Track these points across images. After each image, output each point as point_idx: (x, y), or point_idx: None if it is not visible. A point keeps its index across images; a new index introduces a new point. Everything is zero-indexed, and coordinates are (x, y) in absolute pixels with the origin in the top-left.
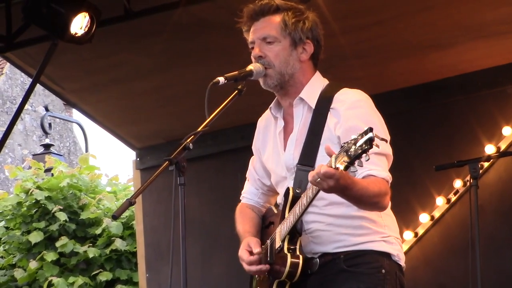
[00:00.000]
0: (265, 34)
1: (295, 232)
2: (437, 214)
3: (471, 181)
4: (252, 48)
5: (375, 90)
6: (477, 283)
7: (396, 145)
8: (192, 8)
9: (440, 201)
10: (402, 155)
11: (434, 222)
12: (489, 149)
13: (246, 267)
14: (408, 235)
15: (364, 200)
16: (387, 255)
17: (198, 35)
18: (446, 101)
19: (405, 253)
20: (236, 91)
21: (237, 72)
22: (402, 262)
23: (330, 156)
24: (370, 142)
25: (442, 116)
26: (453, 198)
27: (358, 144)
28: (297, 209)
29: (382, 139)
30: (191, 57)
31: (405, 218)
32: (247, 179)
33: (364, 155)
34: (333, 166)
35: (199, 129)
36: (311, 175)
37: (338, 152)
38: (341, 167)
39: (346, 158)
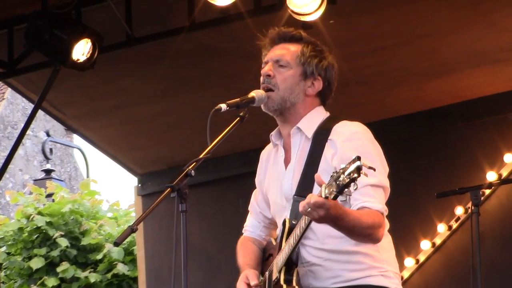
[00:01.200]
0: (279, 57)
1: (291, 263)
2: (438, 240)
3: (473, 208)
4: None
5: (377, 117)
6: None
7: (398, 171)
8: (194, 34)
9: (442, 227)
10: (404, 182)
11: (435, 248)
12: (491, 176)
13: None
14: (410, 262)
15: (356, 231)
16: None
17: (200, 61)
18: (447, 128)
19: (407, 280)
20: (238, 118)
21: (239, 99)
22: None
23: (321, 186)
24: (358, 171)
25: (444, 143)
26: (455, 225)
27: (346, 172)
28: (291, 240)
29: (370, 168)
30: (193, 83)
31: (406, 244)
32: (249, 212)
33: (352, 184)
34: (323, 196)
35: (201, 156)
36: (301, 205)
37: (328, 181)
38: (331, 197)
39: (335, 188)
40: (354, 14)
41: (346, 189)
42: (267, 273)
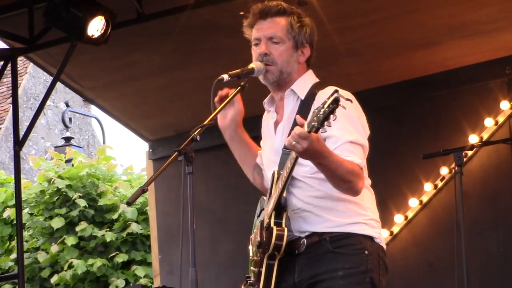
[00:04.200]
0: (272, 34)
1: (281, 209)
2: (425, 198)
3: (456, 168)
4: (256, 44)
5: (367, 86)
6: (462, 262)
7: (388, 135)
8: (199, 11)
9: (428, 186)
10: (393, 145)
11: (422, 206)
12: (473, 139)
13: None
14: (399, 218)
15: (339, 174)
16: (370, 238)
17: (205, 36)
18: (432, 95)
19: (396, 234)
20: (239, 87)
21: (240, 69)
22: (383, 244)
23: (302, 125)
24: (336, 101)
25: (429, 109)
26: (440, 184)
27: (326, 105)
28: (280, 183)
29: (348, 99)
30: (198, 57)
31: (395, 202)
32: None
33: (331, 115)
34: (306, 130)
35: (205, 122)
36: (287, 140)
37: (309, 118)
38: (313, 130)
39: (316, 122)
40: None
41: (326, 121)
42: (259, 223)
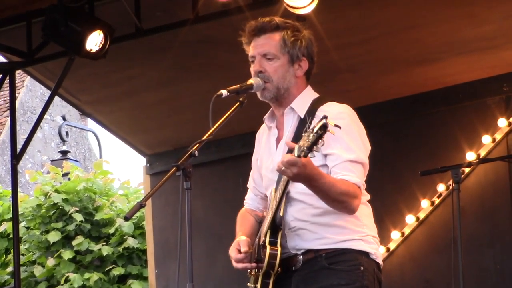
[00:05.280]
0: (266, 51)
1: (276, 227)
2: (422, 215)
3: (453, 185)
4: (253, 61)
5: (365, 102)
6: (459, 278)
7: (385, 152)
8: (198, 26)
9: (425, 203)
10: (391, 161)
11: (419, 222)
12: (470, 156)
13: (234, 264)
14: (396, 235)
15: (331, 195)
16: (365, 254)
17: (203, 51)
18: (430, 112)
19: (393, 251)
20: (238, 103)
21: (238, 85)
22: (380, 260)
23: (293, 149)
24: (324, 128)
25: (427, 125)
26: (437, 201)
27: (314, 130)
28: (274, 203)
29: (336, 126)
30: (196, 72)
31: (393, 219)
32: (248, 188)
33: (320, 140)
34: (296, 155)
35: (204, 138)
36: (277, 164)
37: (299, 143)
38: (302, 155)
39: (305, 147)
40: (344, 8)
41: (314, 146)
42: (256, 240)
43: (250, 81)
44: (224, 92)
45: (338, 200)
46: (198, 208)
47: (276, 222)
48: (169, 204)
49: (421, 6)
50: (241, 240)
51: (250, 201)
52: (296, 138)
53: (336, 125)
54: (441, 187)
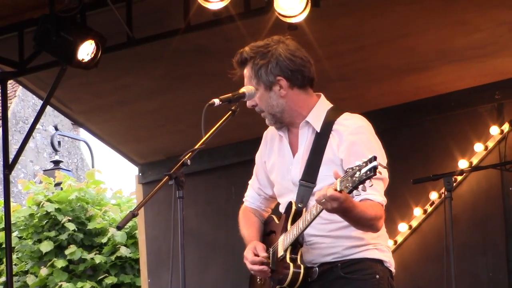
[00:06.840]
0: (245, 90)
1: (297, 244)
2: (414, 223)
3: (446, 193)
4: None
5: (357, 110)
6: (452, 286)
7: None
8: (190, 35)
9: (418, 211)
10: None
11: (412, 231)
12: (462, 164)
13: (249, 266)
14: (388, 243)
15: (361, 222)
16: (380, 262)
17: (195, 61)
18: (422, 120)
19: None
20: (230, 112)
21: (231, 94)
22: (393, 268)
23: (336, 178)
24: (374, 170)
25: (419, 133)
26: (429, 209)
27: (363, 170)
28: (300, 223)
29: (385, 167)
30: (188, 81)
31: (385, 227)
32: (250, 185)
33: (368, 181)
34: (338, 189)
35: (196, 147)
36: (317, 195)
37: (343, 176)
38: (346, 191)
39: (350, 183)
40: (336, 16)
41: (361, 185)
42: (271, 249)
43: (242, 89)
44: (216, 101)
45: (367, 225)
46: (191, 217)
47: (299, 241)
48: (161, 213)
49: (413, 15)
50: (258, 245)
51: (252, 199)
52: (314, 152)
53: (385, 167)
54: (433, 195)
